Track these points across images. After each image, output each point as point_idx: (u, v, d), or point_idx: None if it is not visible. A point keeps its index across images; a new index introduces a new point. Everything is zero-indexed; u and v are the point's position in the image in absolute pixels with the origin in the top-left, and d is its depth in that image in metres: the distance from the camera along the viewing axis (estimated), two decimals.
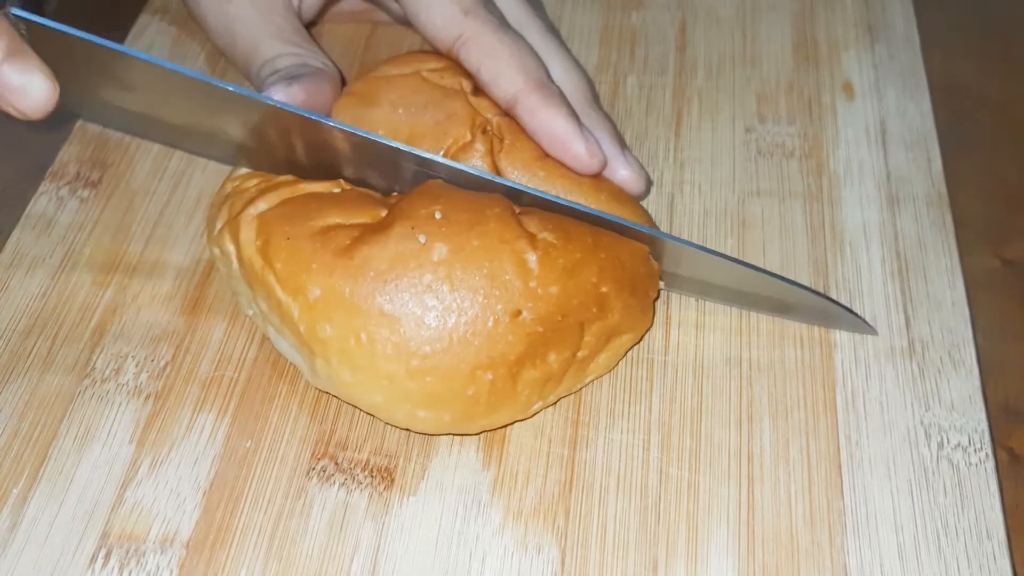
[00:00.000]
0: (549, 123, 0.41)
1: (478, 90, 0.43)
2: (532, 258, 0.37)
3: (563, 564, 0.36)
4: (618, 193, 0.42)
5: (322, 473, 0.39)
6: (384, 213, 0.39)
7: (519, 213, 0.38)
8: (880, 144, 0.50)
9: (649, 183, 0.45)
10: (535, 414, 0.40)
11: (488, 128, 0.42)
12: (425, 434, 0.40)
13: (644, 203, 0.47)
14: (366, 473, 0.39)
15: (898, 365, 0.42)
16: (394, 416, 0.38)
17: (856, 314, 0.42)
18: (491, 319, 0.36)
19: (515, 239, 0.37)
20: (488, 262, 0.37)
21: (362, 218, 0.38)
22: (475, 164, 0.41)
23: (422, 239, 0.37)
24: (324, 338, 0.37)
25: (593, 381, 0.41)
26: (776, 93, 0.52)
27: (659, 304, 0.43)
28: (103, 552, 0.37)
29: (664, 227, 0.46)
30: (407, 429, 0.39)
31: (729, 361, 0.42)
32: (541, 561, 0.37)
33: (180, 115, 0.42)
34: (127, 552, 0.37)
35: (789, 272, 0.44)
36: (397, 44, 0.55)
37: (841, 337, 0.42)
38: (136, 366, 0.42)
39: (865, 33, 0.55)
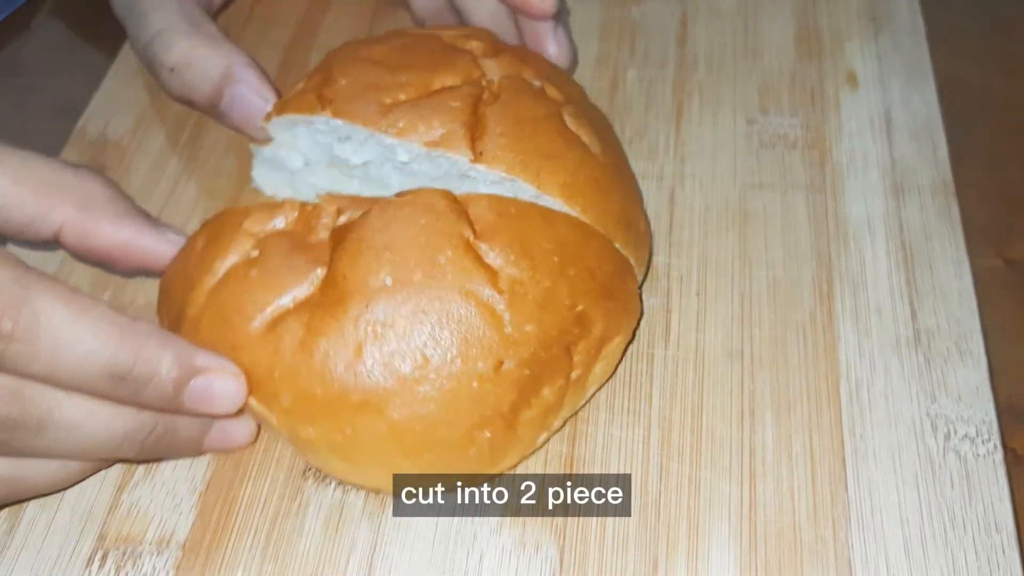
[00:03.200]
0: None
1: (492, 52, 0.42)
2: (500, 303, 0.35)
3: (562, 562, 0.36)
4: (599, 176, 0.39)
5: (318, 473, 0.38)
6: (320, 271, 0.35)
7: (475, 238, 0.35)
8: (884, 134, 0.49)
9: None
10: (544, 443, 0.38)
11: (484, 82, 0.40)
12: None
13: (644, 198, 0.46)
14: None
15: (904, 356, 0.41)
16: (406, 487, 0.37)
17: None
18: (474, 380, 0.34)
19: (478, 287, 0.34)
20: (456, 322, 0.34)
21: (300, 285, 0.35)
22: (453, 103, 0.39)
23: (381, 316, 0.34)
24: (309, 439, 0.35)
25: (597, 392, 0.40)
26: (778, 84, 0.52)
27: (659, 298, 0.43)
28: (100, 554, 0.37)
29: (664, 221, 0.46)
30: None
31: (730, 354, 0.41)
32: (539, 559, 0.36)
33: None
34: (124, 554, 0.37)
35: (792, 265, 0.44)
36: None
37: (845, 329, 0.42)
38: None
39: (869, 23, 0.54)
